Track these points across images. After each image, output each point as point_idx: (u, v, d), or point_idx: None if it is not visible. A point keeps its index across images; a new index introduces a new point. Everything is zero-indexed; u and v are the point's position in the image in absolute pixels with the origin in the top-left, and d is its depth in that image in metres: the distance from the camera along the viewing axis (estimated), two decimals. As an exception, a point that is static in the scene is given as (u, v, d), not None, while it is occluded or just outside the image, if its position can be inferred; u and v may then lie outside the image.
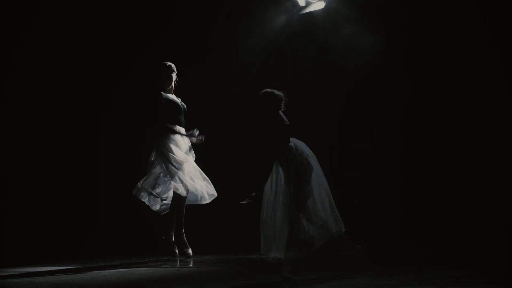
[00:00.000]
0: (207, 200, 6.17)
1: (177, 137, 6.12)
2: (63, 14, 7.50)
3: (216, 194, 6.18)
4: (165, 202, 6.16)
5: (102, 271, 5.28)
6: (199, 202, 6.17)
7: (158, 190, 6.15)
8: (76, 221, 7.50)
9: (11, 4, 7.39)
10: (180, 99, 6.27)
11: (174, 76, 6.20)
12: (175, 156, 6.02)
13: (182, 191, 5.99)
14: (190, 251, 6.09)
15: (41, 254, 6.72)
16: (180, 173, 6.00)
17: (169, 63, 6.22)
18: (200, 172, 6.19)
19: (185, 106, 6.25)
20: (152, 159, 6.15)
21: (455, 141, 6.89)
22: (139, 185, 6.14)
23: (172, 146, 6.06)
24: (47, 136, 7.60)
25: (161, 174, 6.14)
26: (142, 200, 6.13)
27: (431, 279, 4.10)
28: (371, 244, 6.57)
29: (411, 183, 7.05)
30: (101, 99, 7.66)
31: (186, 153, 6.14)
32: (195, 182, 6.08)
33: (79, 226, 7.47)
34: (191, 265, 5.44)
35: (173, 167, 6.00)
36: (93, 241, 7.24)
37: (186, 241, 6.11)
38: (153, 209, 6.15)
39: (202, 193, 6.13)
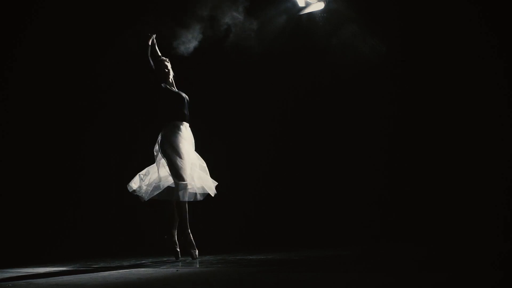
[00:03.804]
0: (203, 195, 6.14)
1: (182, 133, 6.06)
2: (56, 16, 7.50)
3: (213, 189, 6.15)
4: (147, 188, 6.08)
5: (101, 272, 5.28)
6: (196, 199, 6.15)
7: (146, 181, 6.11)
8: (76, 222, 7.51)
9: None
10: (183, 93, 6.24)
11: (169, 69, 6.20)
12: (179, 158, 5.96)
13: (183, 196, 5.93)
14: (196, 252, 6.01)
15: (40, 255, 6.72)
16: (183, 175, 5.95)
17: (161, 57, 6.24)
18: (199, 167, 6.13)
19: (187, 98, 6.20)
20: (155, 154, 6.12)
21: (450, 140, 6.92)
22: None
23: (176, 144, 5.99)
24: (43, 136, 7.60)
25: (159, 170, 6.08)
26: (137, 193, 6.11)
27: (425, 279, 4.10)
28: (365, 245, 6.60)
29: (405, 183, 7.09)
30: (93, 102, 7.68)
31: (189, 150, 6.08)
32: (195, 182, 6.04)
33: (78, 226, 7.48)
34: (192, 266, 5.43)
35: (177, 168, 5.94)
36: (92, 242, 7.24)
37: (193, 241, 6.04)
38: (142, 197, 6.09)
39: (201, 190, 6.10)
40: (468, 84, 6.87)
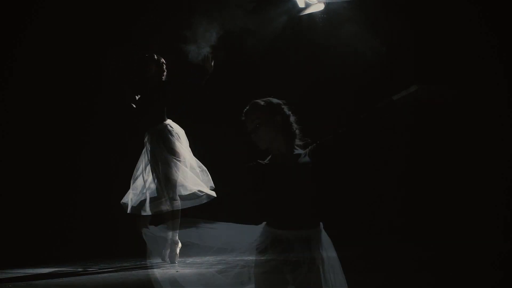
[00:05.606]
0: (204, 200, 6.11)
1: (173, 133, 6.02)
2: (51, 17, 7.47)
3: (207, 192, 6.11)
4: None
5: (101, 274, 5.28)
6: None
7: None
8: (76, 222, 7.50)
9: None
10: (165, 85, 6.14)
11: (145, 69, 6.12)
12: (173, 165, 5.96)
13: (177, 205, 5.93)
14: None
15: (40, 256, 6.71)
16: (176, 186, 5.92)
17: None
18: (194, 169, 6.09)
19: (162, 93, 6.11)
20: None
21: (450, 140, 6.93)
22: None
23: (169, 147, 5.98)
24: (43, 136, 7.59)
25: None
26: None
27: (425, 279, 4.10)
28: (365, 245, 6.60)
29: (405, 183, 7.09)
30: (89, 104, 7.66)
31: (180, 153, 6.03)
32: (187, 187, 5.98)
33: (78, 227, 7.47)
34: (192, 267, 5.43)
35: (171, 176, 5.92)
36: (92, 242, 7.23)
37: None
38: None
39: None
40: (468, 84, 6.86)
